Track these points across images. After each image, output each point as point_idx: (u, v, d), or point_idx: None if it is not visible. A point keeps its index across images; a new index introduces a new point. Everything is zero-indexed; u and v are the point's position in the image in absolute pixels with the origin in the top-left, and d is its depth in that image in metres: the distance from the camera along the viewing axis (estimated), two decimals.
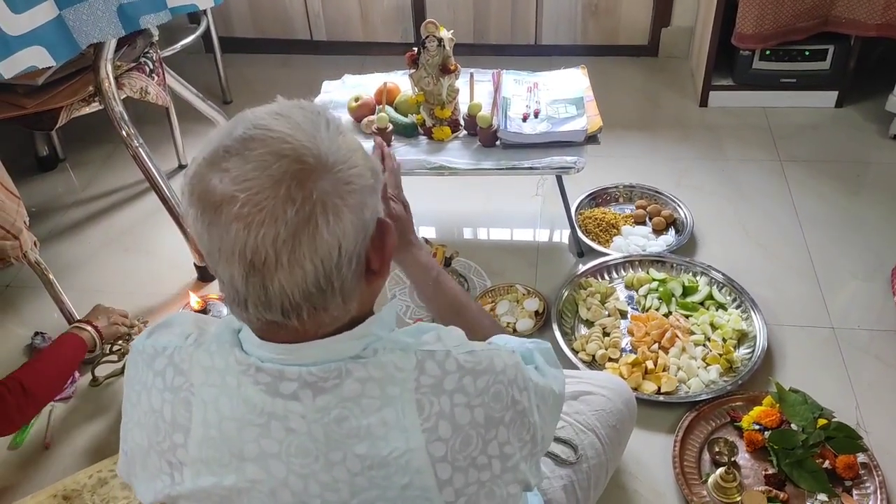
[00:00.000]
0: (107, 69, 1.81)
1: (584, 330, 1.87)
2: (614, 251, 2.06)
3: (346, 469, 0.76)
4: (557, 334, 1.82)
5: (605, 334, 1.83)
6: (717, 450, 1.58)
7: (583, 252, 2.09)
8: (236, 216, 0.68)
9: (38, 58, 1.39)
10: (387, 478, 0.76)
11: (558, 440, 1.34)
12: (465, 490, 0.78)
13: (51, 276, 1.85)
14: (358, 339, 0.78)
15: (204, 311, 1.92)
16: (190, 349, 0.80)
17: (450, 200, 2.31)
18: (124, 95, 1.94)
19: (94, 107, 1.92)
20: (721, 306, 1.89)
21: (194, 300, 1.90)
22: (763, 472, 1.54)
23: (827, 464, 1.53)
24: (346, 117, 2.05)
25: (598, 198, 2.25)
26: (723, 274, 1.94)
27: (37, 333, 1.92)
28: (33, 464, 1.66)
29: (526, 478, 0.84)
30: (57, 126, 1.89)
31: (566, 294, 1.93)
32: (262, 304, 0.72)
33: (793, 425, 1.59)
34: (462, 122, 2.00)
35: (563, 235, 2.18)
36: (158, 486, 0.82)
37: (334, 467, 0.76)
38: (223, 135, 0.73)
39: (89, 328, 1.69)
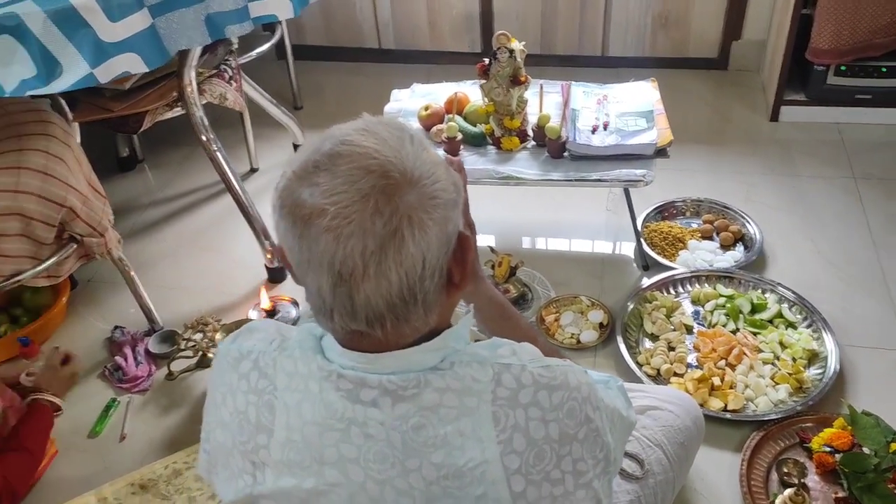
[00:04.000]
0: (190, 76, 1.88)
1: (648, 344, 1.86)
2: (680, 265, 2.04)
3: (421, 477, 0.77)
4: (622, 347, 1.82)
5: (671, 349, 1.82)
6: (785, 470, 1.56)
7: (648, 265, 2.08)
8: (326, 228, 0.71)
9: (131, 64, 1.46)
10: (461, 488, 0.77)
11: (625, 454, 1.34)
12: (538, 503, 0.79)
13: (132, 273, 1.92)
14: (436, 351, 0.79)
15: (273, 311, 1.97)
16: (274, 354, 0.83)
17: (516, 210, 2.33)
18: (205, 101, 2.01)
19: (177, 111, 2.00)
20: (791, 325, 1.86)
21: (265, 300, 1.96)
22: (833, 496, 1.51)
23: None
24: (415, 126, 2.09)
25: (664, 211, 2.24)
26: (793, 292, 1.91)
27: (116, 327, 2.00)
28: (110, 453, 1.73)
29: (598, 495, 0.84)
30: (141, 129, 1.97)
31: (631, 307, 1.92)
32: (348, 313, 0.75)
33: (865, 449, 1.55)
34: (531, 133, 2.02)
35: (628, 248, 2.17)
36: (240, 485, 0.84)
37: (410, 474, 0.77)
38: (312, 150, 0.76)
39: (52, 398, 1.65)
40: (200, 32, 1.52)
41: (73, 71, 1.41)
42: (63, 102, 1.87)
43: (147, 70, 1.48)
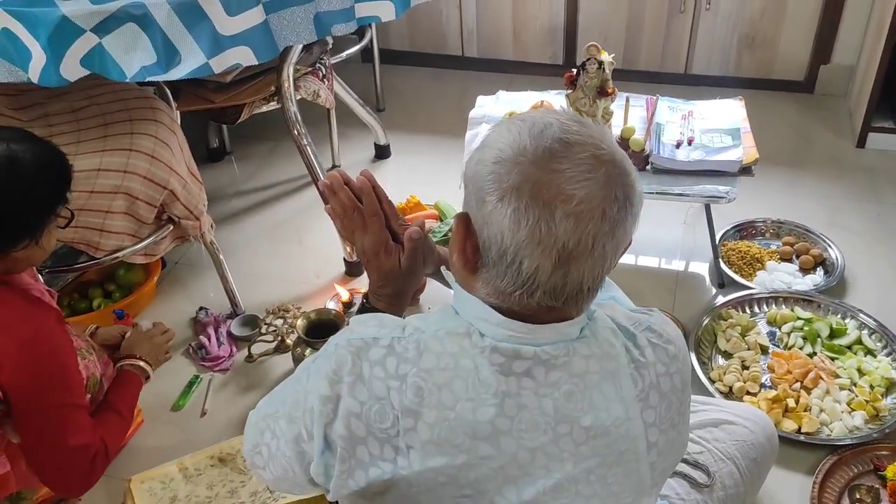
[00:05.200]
0: (289, 71, 1.97)
1: (721, 361, 1.86)
2: (758, 285, 2.03)
3: (572, 440, 0.82)
4: (695, 362, 1.81)
5: (744, 367, 1.81)
6: (858, 496, 1.54)
7: (724, 283, 2.07)
8: (570, 213, 0.76)
9: (243, 56, 1.54)
10: (608, 445, 0.83)
11: (694, 464, 1.35)
12: (663, 449, 0.88)
13: (221, 257, 2.01)
14: (579, 323, 0.85)
15: (350, 303, 2.03)
16: (414, 337, 0.84)
17: None
18: (299, 97, 2.09)
19: (272, 105, 2.08)
20: (870, 352, 1.83)
21: (344, 292, 2.02)
22: None
23: None
24: None
25: (744, 230, 2.22)
26: (874, 320, 1.88)
27: (201, 308, 2.08)
28: (191, 427, 1.81)
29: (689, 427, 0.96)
30: (239, 121, 2.07)
31: (706, 322, 1.92)
32: (555, 292, 0.80)
33: None
34: None
35: (702, 265, 2.17)
36: (373, 473, 0.84)
37: (561, 439, 0.82)
38: (533, 136, 0.78)
39: (143, 364, 1.65)
40: (308, 30, 1.59)
41: (191, 60, 1.50)
42: (168, 91, 1.98)
43: (256, 63, 1.56)
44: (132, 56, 1.50)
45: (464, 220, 0.84)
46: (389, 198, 1.14)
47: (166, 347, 1.76)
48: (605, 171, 0.77)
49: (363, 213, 1.10)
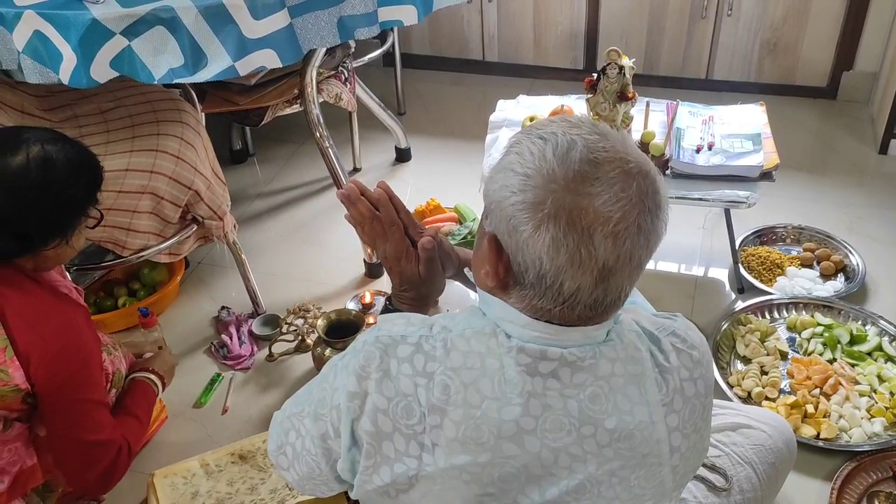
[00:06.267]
0: (312, 74, 1.99)
1: (740, 366, 1.85)
2: (777, 291, 2.02)
3: (595, 442, 0.83)
4: (713, 367, 1.81)
5: (763, 373, 1.81)
6: (877, 502, 1.53)
7: (744, 288, 2.07)
8: (609, 234, 0.77)
9: (268, 59, 1.57)
10: (631, 448, 0.84)
11: (712, 468, 1.35)
12: (686, 453, 0.88)
13: (243, 257, 2.04)
14: (606, 327, 0.86)
15: (371, 305, 2.05)
16: (441, 336, 0.86)
17: None
18: (322, 99, 2.12)
19: (296, 108, 2.11)
20: (891, 359, 1.82)
21: (367, 294, 2.04)
22: None
23: None
24: None
25: (764, 236, 2.22)
26: (895, 326, 1.87)
27: (223, 308, 2.11)
28: (213, 424, 1.84)
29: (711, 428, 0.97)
30: (262, 123, 2.09)
31: (725, 327, 1.91)
32: (594, 303, 0.81)
33: None
34: None
35: (721, 270, 2.16)
36: (398, 469, 0.85)
37: (585, 440, 0.83)
38: (559, 159, 0.78)
39: (155, 378, 1.66)
40: (332, 33, 1.61)
41: (217, 63, 1.53)
42: (193, 93, 2.01)
43: (281, 66, 1.59)
44: (160, 58, 1.53)
45: (494, 242, 0.83)
46: (407, 205, 1.16)
47: (173, 366, 1.80)
48: (637, 187, 0.78)
49: (382, 223, 1.12)
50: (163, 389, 1.72)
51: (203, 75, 1.53)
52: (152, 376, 1.68)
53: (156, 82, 1.54)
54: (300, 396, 0.99)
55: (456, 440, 0.83)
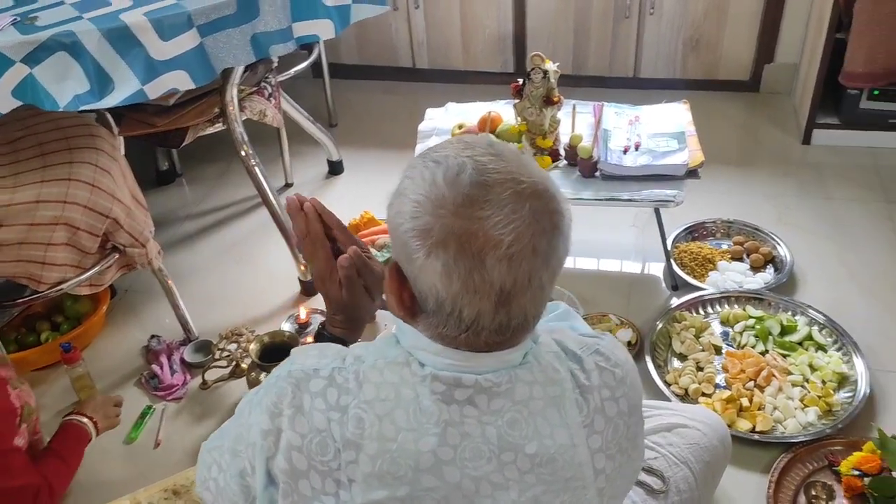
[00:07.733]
0: (232, 93, 1.95)
1: (677, 363, 1.87)
2: (710, 286, 2.05)
3: (516, 468, 0.81)
4: (650, 366, 1.83)
5: (699, 369, 1.83)
6: (813, 493, 1.56)
7: (677, 286, 2.09)
8: (501, 257, 0.74)
9: (180, 81, 1.52)
10: (553, 473, 0.82)
11: (649, 471, 1.35)
12: (611, 475, 0.86)
13: (170, 283, 1.98)
14: (522, 349, 0.84)
15: (307, 324, 2.01)
16: (353, 368, 0.83)
17: None
18: (245, 117, 2.07)
19: (218, 127, 2.05)
20: (821, 348, 1.86)
21: (303, 312, 2.00)
22: None
23: None
24: None
25: (695, 232, 2.25)
26: (823, 315, 1.91)
27: (153, 336, 2.05)
28: (145, 459, 1.77)
29: (643, 453, 0.94)
30: (183, 144, 2.03)
31: (660, 326, 1.93)
32: (500, 328, 0.79)
33: (894, 473, 1.54)
34: (562, 153, 2.04)
35: (656, 268, 2.18)
36: None
37: (506, 467, 0.81)
38: (448, 183, 0.76)
39: (87, 421, 1.68)
40: (246, 52, 1.58)
41: (125, 87, 1.47)
42: (109, 117, 1.94)
43: (194, 87, 1.54)
44: (64, 85, 1.47)
45: (396, 270, 0.82)
46: (342, 219, 1.12)
47: (116, 421, 1.79)
48: (530, 207, 0.76)
49: (312, 241, 1.09)
50: (97, 433, 1.70)
51: (111, 100, 1.48)
52: (83, 419, 1.65)
53: (61, 109, 1.48)
54: (223, 429, 0.96)
55: (373, 475, 0.80)
